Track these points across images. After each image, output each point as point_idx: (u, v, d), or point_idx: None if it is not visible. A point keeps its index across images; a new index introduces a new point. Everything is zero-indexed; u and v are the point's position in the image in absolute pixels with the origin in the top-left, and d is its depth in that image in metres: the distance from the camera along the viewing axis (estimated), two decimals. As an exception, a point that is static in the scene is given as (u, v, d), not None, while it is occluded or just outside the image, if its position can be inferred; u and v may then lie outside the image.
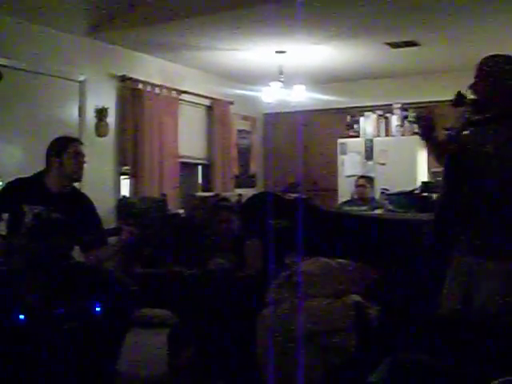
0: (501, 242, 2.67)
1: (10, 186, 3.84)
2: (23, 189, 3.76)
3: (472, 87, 2.90)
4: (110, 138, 7.04)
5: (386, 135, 8.56)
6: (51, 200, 3.74)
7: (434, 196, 5.16)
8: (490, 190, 2.74)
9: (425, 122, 3.03)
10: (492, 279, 2.67)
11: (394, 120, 8.51)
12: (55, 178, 3.81)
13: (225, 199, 6.23)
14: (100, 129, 6.87)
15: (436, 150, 3.08)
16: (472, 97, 2.93)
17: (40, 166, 3.92)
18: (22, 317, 3.30)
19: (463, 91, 2.93)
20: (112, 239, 3.96)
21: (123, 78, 7.15)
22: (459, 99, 2.94)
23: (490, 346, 2.09)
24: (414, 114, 3.11)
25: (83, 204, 3.96)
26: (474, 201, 2.80)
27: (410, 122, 8.32)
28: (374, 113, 8.70)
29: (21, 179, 3.86)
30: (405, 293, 3.85)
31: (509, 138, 2.74)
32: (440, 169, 3.22)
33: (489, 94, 2.85)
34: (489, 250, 2.70)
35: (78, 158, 3.85)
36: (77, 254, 4.00)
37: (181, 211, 7.33)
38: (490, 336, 2.17)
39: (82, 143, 3.99)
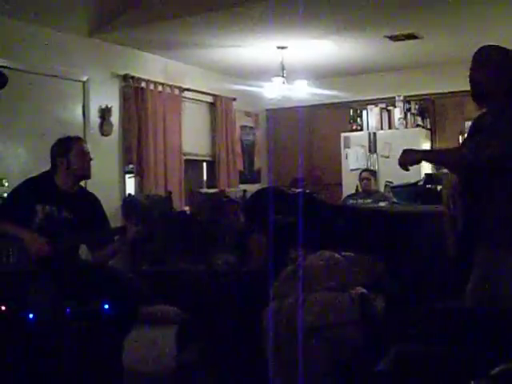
0: None
1: (23, 186, 3.88)
2: (35, 189, 3.81)
3: (469, 78, 2.93)
4: (114, 137, 7.07)
5: (389, 128, 8.56)
6: (62, 199, 3.79)
7: (438, 188, 5.17)
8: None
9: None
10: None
11: (397, 113, 8.50)
12: (64, 178, 3.86)
13: (226, 196, 6.26)
14: (104, 128, 6.91)
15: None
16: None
17: (45, 166, 3.96)
18: (31, 316, 3.33)
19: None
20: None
21: (126, 77, 7.17)
22: None
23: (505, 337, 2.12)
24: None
25: (92, 203, 4.01)
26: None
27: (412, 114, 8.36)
28: (377, 106, 8.70)
29: (32, 179, 3.91)
30: (410, 284, 3.88)
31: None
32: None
33: (484, 83, 2.87)
34: (507, 243, 2.72)
35: (84, 155, 3.90)
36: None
37: (186, 208, 7.37)
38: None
39: (85, 141, 4.05)
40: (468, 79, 2.96)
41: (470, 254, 2.91)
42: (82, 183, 4.15)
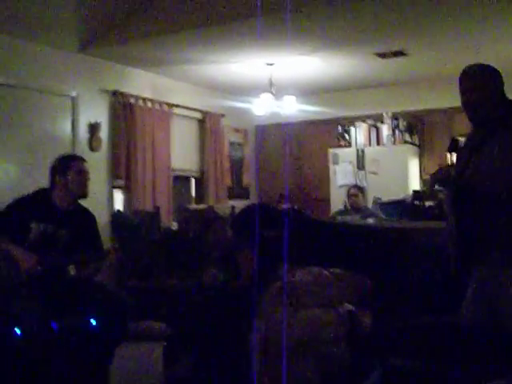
0: None
1: (18, 202, 3.88)
2: (31, 206, 3.81)
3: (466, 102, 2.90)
4: (102, 153, 7.07)
5: (378, 144, 8.59)
6: (58, 217, 3.79)
7: (426, 204, 5.19)
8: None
9: None
10: None
11: (385, 129, 8.54)
12: (61, 196, 3.87)
13: (215, 212, 6.25)
14: (93, 143, 6.91)
15: None
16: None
17: (34, 181, 3.96)
18: (18, 331, 3.32)
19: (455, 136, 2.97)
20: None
21: (115, 93, 7.19)
22: (453, 145, 2.98)
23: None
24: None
25: (87, 221, 4.04)
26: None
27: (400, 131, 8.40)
28: (365, 122, 8.74)
29: (28, 196, 3.91)
30: (397, 301, 3.88)
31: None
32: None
33: (477, 104, 2.83)
34: (508, 260, 2.71)
35: (83, 174, 3.91)
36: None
37: (174, 224, 7.36)
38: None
39: (85, 161, 4.05)
40: (461, 101, 2.92)
41: (464, 269, 2.90)
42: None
